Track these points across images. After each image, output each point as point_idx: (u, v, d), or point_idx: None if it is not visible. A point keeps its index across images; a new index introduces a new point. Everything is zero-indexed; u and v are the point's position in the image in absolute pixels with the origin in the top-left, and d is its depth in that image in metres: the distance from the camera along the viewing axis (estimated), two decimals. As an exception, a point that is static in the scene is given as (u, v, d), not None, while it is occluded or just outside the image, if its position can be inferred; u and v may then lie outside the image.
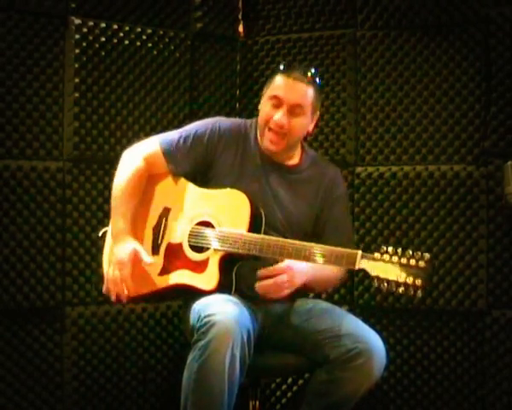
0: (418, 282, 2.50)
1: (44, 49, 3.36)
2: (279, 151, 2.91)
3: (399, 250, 2.55)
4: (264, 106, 2.91)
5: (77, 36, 3.39)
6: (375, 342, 2.73)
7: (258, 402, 3.00)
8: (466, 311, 3.39)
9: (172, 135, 2.97)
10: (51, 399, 3.41)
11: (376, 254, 2.57)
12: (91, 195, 3.46)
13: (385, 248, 2.57)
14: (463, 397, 3.41)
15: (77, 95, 3.41)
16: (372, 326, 2.83)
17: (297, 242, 2.70)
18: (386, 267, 2.53)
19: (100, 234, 3.03)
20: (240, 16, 3.79)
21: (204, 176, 2.95)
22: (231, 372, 2.55)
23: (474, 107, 3.40)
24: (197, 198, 2.90)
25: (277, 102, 2.86)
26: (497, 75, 3.34)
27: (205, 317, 2.61)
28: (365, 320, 2.90)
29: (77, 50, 3.39)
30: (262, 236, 2.76)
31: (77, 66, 3.40)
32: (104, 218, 3.39)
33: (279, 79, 2.89)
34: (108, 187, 3.46)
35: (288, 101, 2.85)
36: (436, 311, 3.43)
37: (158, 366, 3.60)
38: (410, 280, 2.51)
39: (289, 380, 3.66)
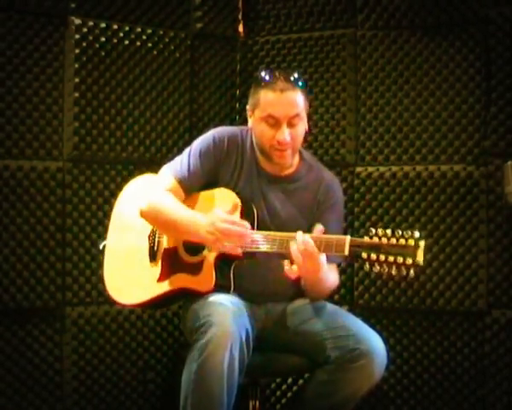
0: (409, 261, 2.49)
1: (44, 49, 3.36)
2: (290, 161, 2.89)
3: (388, 231, 2.54)
4: (260, 127, 2.83)
5: (77, 36, 3.39)
6: (376, 343, 2.72)
7: (258, 402, 2.99)
8: (466, 311, 3.39)
9: (181, 161, 2.90)
10: (51, 399, 3.41)
11: (366, 238, 2.56)
12: (91, 195, 3.46)
13: (374, 231, 2.55)
14: (463, 397, 3.41)
15: (77, 95, 3.41)
16: (372, 326, 2.82)
17: (286, 233, 2.68)
18: (376, 250, 2.53)
19: (100, 247, 3.03)
20: (240, 16, 3.78)
21: (208, 185, 2.93)
22: (230, 373, 2.55)
23: (474, 107, 3.40)
24: (187, 201, 2.89)
25: (274, 121, 2.79)
26: (497, 75, 3.34)
27: (203, 317, 2.61)
28: (365, 320, 2.90)
29: (77, 50, 3.40)
30: (253, 231, 2.74)
31: (77, 66, 3.40)
32: (104, 218, 3.39)
33: (267, 96, 2.79)
34: (108, 187, 3.48)
35: (285, 116, 2.78)
36: (436, 311, 3.43)
37: (158, 366, 3.60)
38: (400, 260, 2.50)
39: (289, 380, 3.66)
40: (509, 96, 3.31)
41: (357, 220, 3.55)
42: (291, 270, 2.63)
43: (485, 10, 3.34)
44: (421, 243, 2.51)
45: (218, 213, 2.70)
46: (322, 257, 2.62)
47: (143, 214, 2.88)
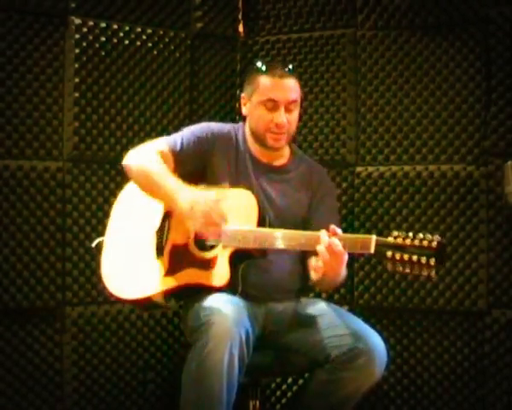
0: (432, 261, 2.51)
1: (44, 49, 3.36)
2: (283, 146, 2.97)
3: (410, 234, 2.57)
4: (258, 111, 2.91)
5: (77, 36, 3.39)
6: (375, 341, 2.73)
7: (258, 402, 3.00)
8: (466, 311, 3.39)
9: (175, 136, 2.97)
10: (51, 399, 3.41)
11: (390, 238, 2.58)
12: (91, 195, 3.46)
13: (396, 233, 2.58)
14: (463, 397, 3.41)
15: (77, 95, 3.41)
16: (372, 326, 2.83)
17: (308, 232, 2.72)
18: (400, 249, 2.55)
19: (93, 244, 3.03)
20: (240, 16, 3.79)
21: (201, 176, 2.95)
22: (230, 372, 2.55)
23: (474, 107, 3.40)
24: None
25: (273, 105, 2.88)
26: (497, 75, 3.34)
27: (203, 317, 2.62)
28: (365, 320, 2.90)
29: (77, 50, 3.40)
30: (272, 229, 2.77)
31: (77, 66, 3.40)
32: (104, 218, 3.38)
33: (266, 81, 2.90)
34: (108, 187, 3.48)
35: (285, 100, 2.89)
36: (436, 311, 3.43)
37: (158, 366, 3.60)
38: (423, 260, 2.52)
39: (289, 380, 3.66)
40: (509, 96, 3.31)
41: (358, 220, 3.55)
42: (318, 267, 2.67)
43: (485, 10, 3.35)
44: (445, 246, 2.55)
45: (208, 195, 2.74)
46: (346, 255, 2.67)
47: (128, 168, 2.90)
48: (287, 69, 2.93)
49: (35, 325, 3.39)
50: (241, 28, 3.80)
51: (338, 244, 2.61)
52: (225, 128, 3.02)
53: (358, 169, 3.56)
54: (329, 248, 2.61)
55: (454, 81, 3.43)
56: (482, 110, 3.38)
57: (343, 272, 2.77)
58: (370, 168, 3.54)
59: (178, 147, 2.92)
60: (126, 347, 3.53)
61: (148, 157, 2.88)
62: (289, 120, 2.90)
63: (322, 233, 2.64)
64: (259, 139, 2.95)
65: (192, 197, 2.73)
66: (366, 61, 3.56)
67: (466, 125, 3.41)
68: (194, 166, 2.94)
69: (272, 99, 2.88)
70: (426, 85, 3.47)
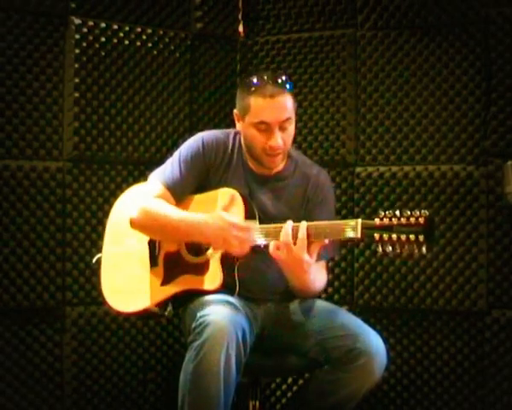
0: (421, 237, 2.49)
1: (44, 49, 3.37)
2: (280, 164, 2.91)
3: (397, 212, 2.55)
4: (251, 132, 2.83)
5: (77, 36, 3.39)
6: (375, 342, 2.73)
7: (258, 402, 2.99)
8: (466, 311, 3.39)
9: (171, 167, 2.90)
10: (51, 399, 3.41)
11: (376, 220, 2.56)
12: (91, 195, 3.46)
13: (383, 213, 2.56)
14: (463, 397, 3.41)
15: (77, 95, 3.41)
16: (372, 326, 2.82)
17: (296, 223, 2.68)
18: (388, 230, 2.53)
19: (94, 260, 3.02)
20: (240, 16, 3.79)
21: (199, 188, 2.95)
22: (227, 372, 2.55)
23: (474, 107, 3.40)
24: (188, 204, 2.90)
25: (266, 127, 2.79)
26: (497, 75, 3.34)
27: (200, 317, 2.61)
28: (365, 320, 2.89)
29: (77, 50, 3.40)
30: (261, 225, 2.76)
31: (77, 66, 3.40)
32: (104, 218, 3.38)
33: (257, 102, 2.78)
34: (108, 187, 3.48)
35: (277, 121, 2.78)
36: (436, 311, 3.43)
37: (158, 366, 3.60)
38: (412, 238, 2.50)
39: (289, 380, 3.66)
40: (509, 96, 3.32)
41: (357, 220, 3.55)
42: (277, 252, 2.64)
43: (485, 10, 3.35)
44: (433, 220, 2.53)
45: (226, 217, 2.72)
46: (307, 257, 2.63)
47: (135, 222, 2.85)
48: (279, 81, 2.80)
49: (35, 325, 3.39)
50: (241, 28, 3.80)
51: (288, 234, 2.61)
52: (219, 137, 2.95)
53: (358, 169, 3.56)
54: (284, 238, 2.62)
55: (454, 81, 3.43)
56: (482, 110, 3.38)
57: (313, 278, 2.74)
58: (370, 168, 3.54)
59: (173, 181, 2.86)
60: (126, 347, 3.53)
61: (149, 205, 2.82)
62: (284, 139, 2.81)
63: (288, 223, 2.65)
64: (256, 158, 2.88)
65: (213, 223, 2.71)
66: (366, 61, 3.56)
67: (466, 125, 3.41)
68: (194, 187, 2.90)
69: (264, 122, 2.78)
70: (426, 85, 3.47)
